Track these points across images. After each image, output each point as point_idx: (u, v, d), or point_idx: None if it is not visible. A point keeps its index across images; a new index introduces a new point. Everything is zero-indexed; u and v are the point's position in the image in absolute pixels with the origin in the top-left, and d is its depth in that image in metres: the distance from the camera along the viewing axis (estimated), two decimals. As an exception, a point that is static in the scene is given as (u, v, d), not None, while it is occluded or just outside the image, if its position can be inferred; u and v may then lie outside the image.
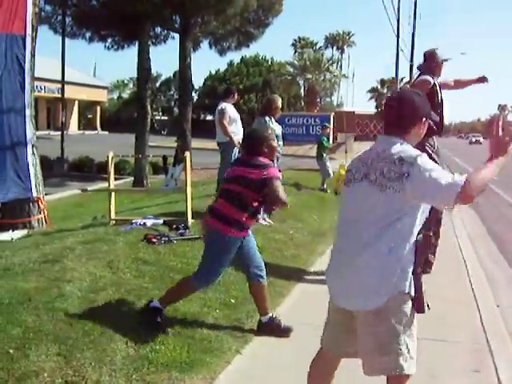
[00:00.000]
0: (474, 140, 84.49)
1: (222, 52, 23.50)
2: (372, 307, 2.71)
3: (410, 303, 2.75)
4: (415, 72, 7.71)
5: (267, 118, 8.17)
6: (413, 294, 2.74)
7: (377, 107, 75.25)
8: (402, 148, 2.72)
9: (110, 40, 21.04)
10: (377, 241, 2.67)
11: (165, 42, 22.26)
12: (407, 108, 2.81)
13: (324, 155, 14.82)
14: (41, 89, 39.58)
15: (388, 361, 2.74)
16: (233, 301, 5.24)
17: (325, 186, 14.16)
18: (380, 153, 2.77)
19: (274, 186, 4.35)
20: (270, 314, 4.79)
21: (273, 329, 4.73)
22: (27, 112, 7.68)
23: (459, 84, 7.04)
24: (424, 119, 2.84)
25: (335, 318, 3.01)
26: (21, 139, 7.67)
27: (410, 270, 2.73)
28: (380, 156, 2.75)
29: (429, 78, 6.47)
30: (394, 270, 2.68)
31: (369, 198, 2.72)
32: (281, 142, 8.44)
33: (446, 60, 6.80)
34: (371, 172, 2.74)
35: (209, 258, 4.56)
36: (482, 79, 6.83)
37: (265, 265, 4.80)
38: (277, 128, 8.33)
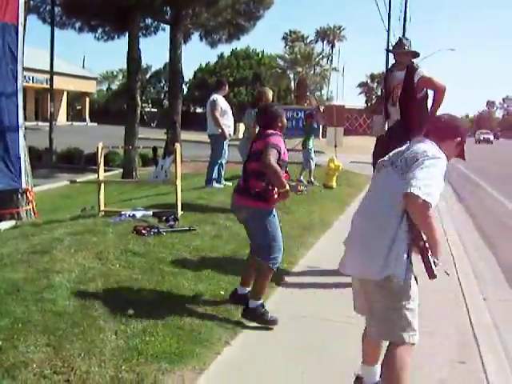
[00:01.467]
0: (482, 138, 73.12)
1: (212, 44, 23.39)
2: (374, 277, 3.09)
3: (409, 282, 3.12)
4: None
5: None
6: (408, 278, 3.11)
7: (367, 102, 75.42)
8: (431, 146, 3.14)
9: (99, 30, 20.89)
10: (387, 217, 3.07)
11: (155, 33, 22.15)
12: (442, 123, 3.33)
13: (309, 145, 14.00)
14: (29, 79, 39.36)
15: (386, 331, 3.15)
16: (222, 292, 5.25)
17: (311, 178, 13.62)
18: (411, 146, 3.23)
19: (265, 151, 4.46)
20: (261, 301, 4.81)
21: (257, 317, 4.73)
22: (20, 98, 7.63)
23: None
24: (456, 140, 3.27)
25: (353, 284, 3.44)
26: (12, 125, 7.61)
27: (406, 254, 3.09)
28: (410, 149, 3.19)
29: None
30: (399, 249, 3.04)
31: (388, 179, 3.16)
32: None
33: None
34: (398, 159, 3.17)
35: (261, 238, 4.71)
36: None
37: (255, 258, 4.80)
38: None
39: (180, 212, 7.56)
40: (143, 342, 4.02)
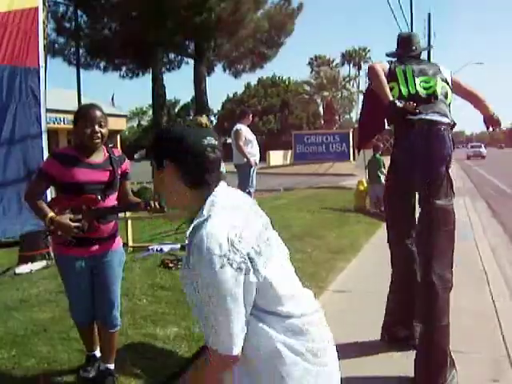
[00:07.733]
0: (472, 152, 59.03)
1: (236, 74, 23.72)
2: None
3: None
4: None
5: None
6: None
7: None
8: None
9: (124, 69, 21.39)
10: None
11: (179, 67, 22.59)
12: None
13: (381, 176, 12.92)
14: (60, 121, 40.08)
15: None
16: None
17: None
18: None
19: None
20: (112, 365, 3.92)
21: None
22: (44, 140, 7.76)
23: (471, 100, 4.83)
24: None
25: None
26: (38, 168, 7.73)
27: None
28: None
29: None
30: None
31: None
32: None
33: (427, 48, 4.75)
34: None
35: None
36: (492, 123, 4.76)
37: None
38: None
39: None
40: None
